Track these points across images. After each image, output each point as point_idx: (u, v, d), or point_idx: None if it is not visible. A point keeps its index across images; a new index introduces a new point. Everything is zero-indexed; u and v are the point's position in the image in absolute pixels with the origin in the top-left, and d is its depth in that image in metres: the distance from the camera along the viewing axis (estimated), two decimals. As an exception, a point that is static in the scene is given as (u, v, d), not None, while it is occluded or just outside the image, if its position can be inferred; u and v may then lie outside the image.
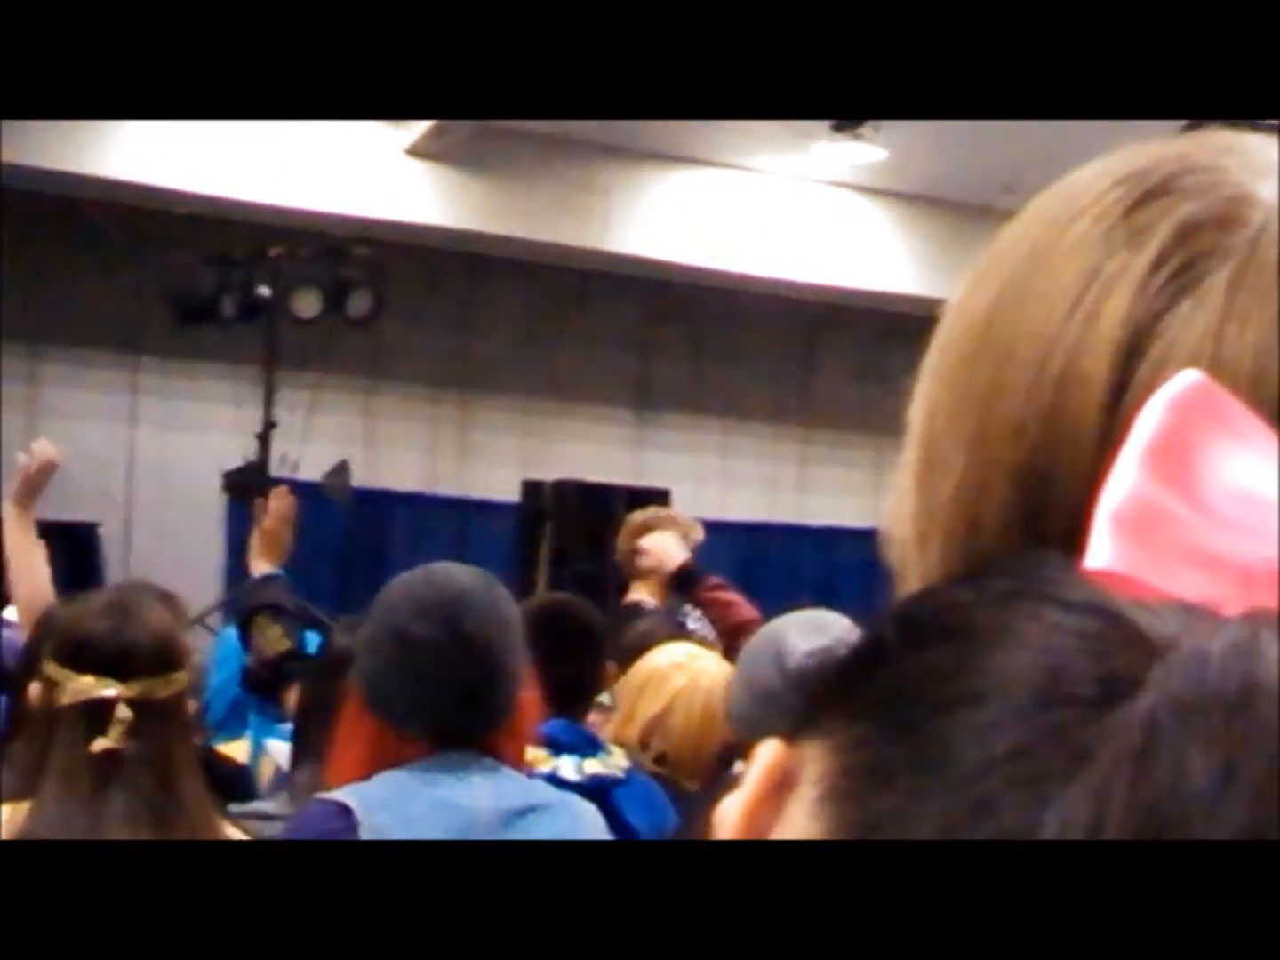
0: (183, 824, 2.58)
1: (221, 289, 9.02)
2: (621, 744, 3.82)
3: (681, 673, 3.95)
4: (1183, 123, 0.77)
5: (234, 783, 3.93)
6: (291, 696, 4.05)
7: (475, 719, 2.63)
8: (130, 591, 2.91)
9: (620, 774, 3.61)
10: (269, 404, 8.89)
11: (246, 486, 8.03)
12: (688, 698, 3.89)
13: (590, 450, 11.64)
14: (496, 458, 11.51)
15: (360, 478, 9.10)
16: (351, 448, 9.68)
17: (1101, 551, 0.47)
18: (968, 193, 10.38)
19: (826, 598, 3.41)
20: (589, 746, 3.63)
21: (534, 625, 3.01)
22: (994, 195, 8.45)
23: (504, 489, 10.79)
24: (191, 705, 2.87)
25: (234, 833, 2.77)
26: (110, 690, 2.59)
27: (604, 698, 3.97)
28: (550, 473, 10.40)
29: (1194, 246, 0.62)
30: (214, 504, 10.09)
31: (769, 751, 0.51)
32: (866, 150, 10.19)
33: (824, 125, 9.46)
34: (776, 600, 3.58)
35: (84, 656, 2.62)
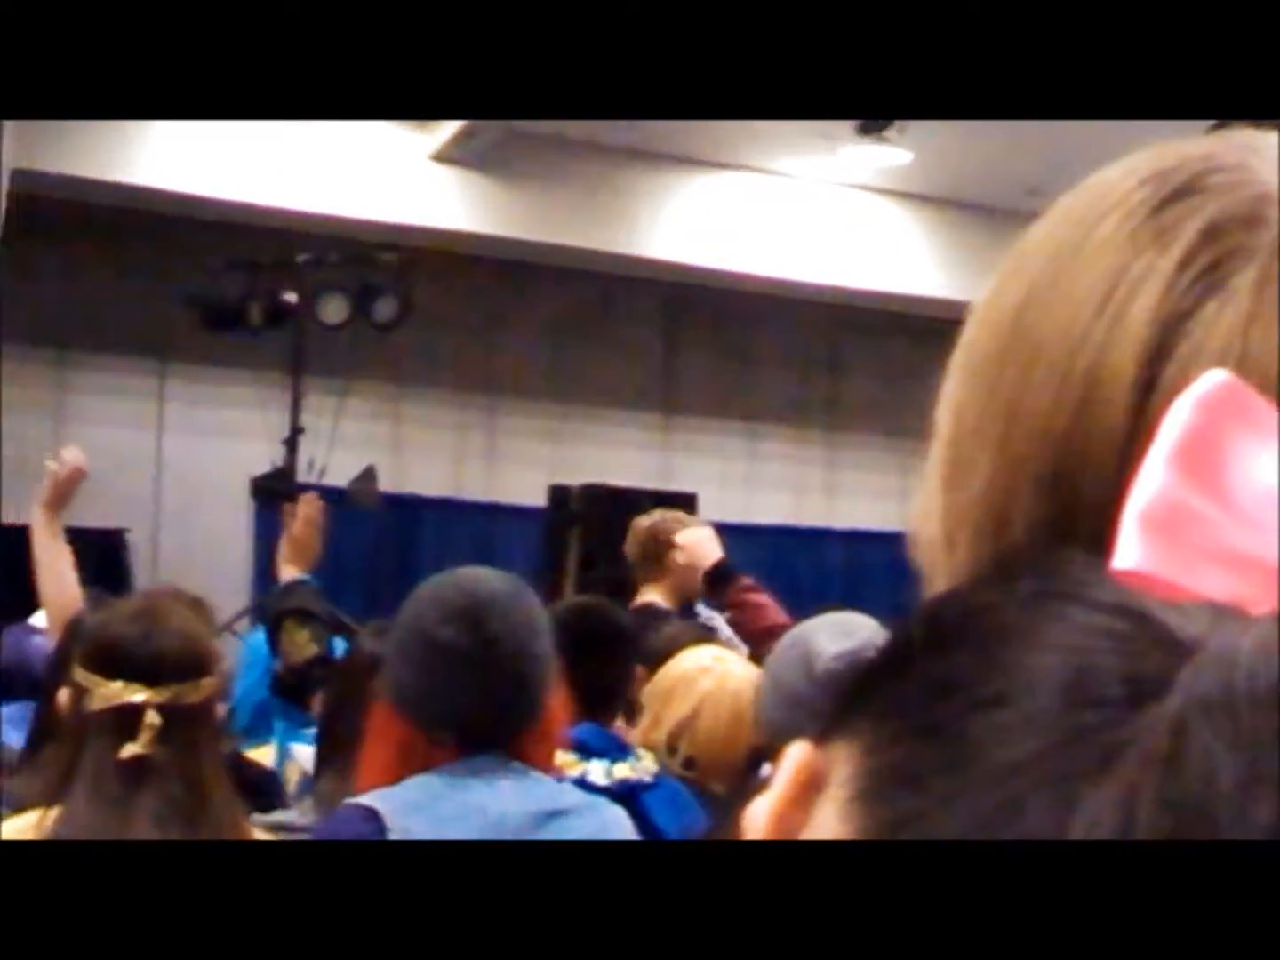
0: (211, 829, 2.59)
1: (248, 295, 9.02)
2: (649, 748, 3.82)
3: (709, 676, 3.95)
4: (1209, 123, 0.76)
5: (262, 788, 3.94)
6: (320, 702, 4.05)
7: (504, 723, 2.64)
8: (159, 597, 2.92)
9: (649, 778, 3.60)
10: (296, 410, 8.89)
11: (274, 492, 8.03)
12: (715, 701, 3.89)
13: (617, 455, 11.64)
14: (523, 463, 11.52)
15: (387, 483, 9.10)
16: (379, 453, 9.68)
17: (1129, 551, 0.47)
18: (993, 195, 10.37)
19: (853, 601, 3.41)
20: (618, 751, 3.63)
21: (562, 629, 3.01)
22: (1019, 197, 8.43)
23: (531, 494, 10.79)
24: (220, 710, 2.88)
25: (262, 838, 2.78)
26: (139, 696, 2.60)
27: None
28: (577, 477, 10.39)
29: (1220, 246, 0.62)
30: (241, 510, 10.10)
31: (798, 753, 0.51)
32: (891, 153, 10.17)
33: (849, 128, 9.45)
34: (803, 604, 3.58)
35: (113, 662, 2.63)
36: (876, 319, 12.00)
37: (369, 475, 8.37)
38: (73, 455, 4.64)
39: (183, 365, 10.64)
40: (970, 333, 0.69)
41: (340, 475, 8.36)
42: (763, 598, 4.81)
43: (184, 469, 10.67)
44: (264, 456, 8.82)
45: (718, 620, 5.37)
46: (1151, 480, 0.48)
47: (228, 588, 8.80)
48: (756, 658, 4.05)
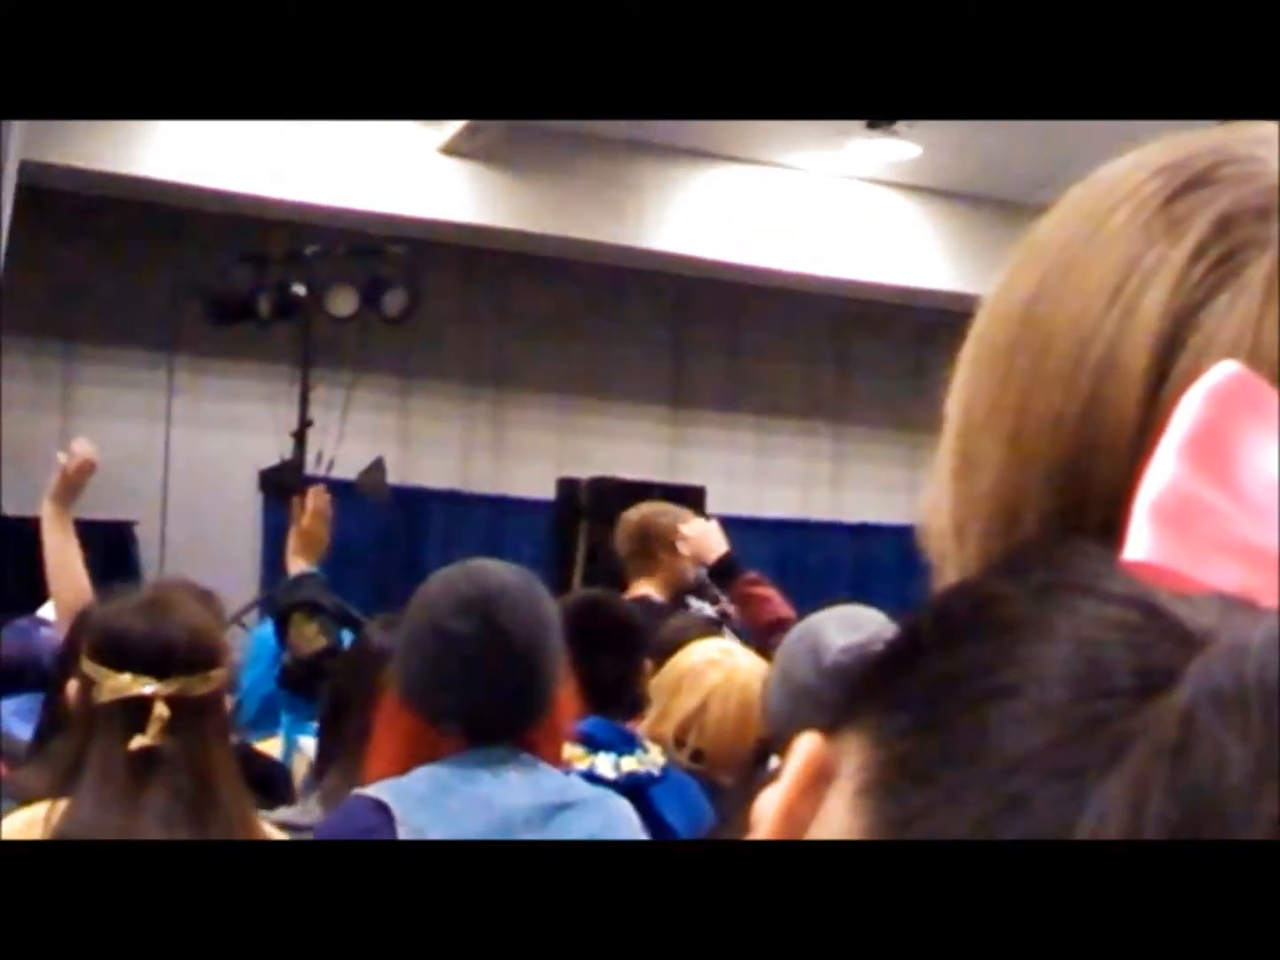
0: (220, 821, 2.59)
1: (257, 288, 9.03)
2: (657, 741, 3.82)
3: (716, 669, 3.95)
4: (1217, 123, 0.76)
5: (272, 780, 3.94)
6: (324, 693, 4.06)
7: (513, 715, 2.64)
8: (167, 589, 2.92)
9: (657, 771, 3.61)
10: (304, 402, 8.89)
11: (282, 485, 8.03)
12: (723, 694, 3.89)
13: (625, 448, 11.64)
14: (531, 455, 11.52)
15: (396, 476, 9.10)
16: (387, 446, 9.68)
17: (1139, 543, 0.47)
18: (1002, 189, 10.37)
19: (862, 595, 3.41)
20: (626, 744, 3.64)
21: (571, 621, 3.01)
22: (1028, 191, 8.43)
23: (539, 487, 10.79)
24: (228, 702, 2.88)
25: (271, 830, 2.78)
26: (148, 688, 2.60)
27: None
28: (585, 470, 10.39)
29: (1233, 237, 0.62)
30: (250, 503, 10.11)
31: (807, 745, 0.51)
32: (901, 147, 10.17)
33: (858, 122, 9.45)
34: (812, 597, 3.58)
35: (121, 654, 2.63)
36: (885, 312, 11.99)
37: (377, 467, 8.38)
38: (82, 447, 4.64)
39: (191, 358, 10.64)
40: (981, 324, 0.69)
41: (349, 468, 8.37)
42: (768, 591, 4.81)
43: (192, 462, 10.67)
44: (272, 449, 8.83)
45: (708, 613, 5.40)
46: (1162, 472, 0.48)
47: (236, 580, 8.81)
48: (762, 651, 4.06)
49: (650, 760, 3.63)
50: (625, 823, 2.72)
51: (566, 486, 10.18)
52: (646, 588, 5.47)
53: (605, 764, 3.53)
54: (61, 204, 9.75)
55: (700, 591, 5.70)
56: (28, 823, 2.55)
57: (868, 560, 11.66)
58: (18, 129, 6.39)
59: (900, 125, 9.50)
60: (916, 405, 10.40)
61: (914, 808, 0.44)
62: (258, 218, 9.94)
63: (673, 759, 3.77)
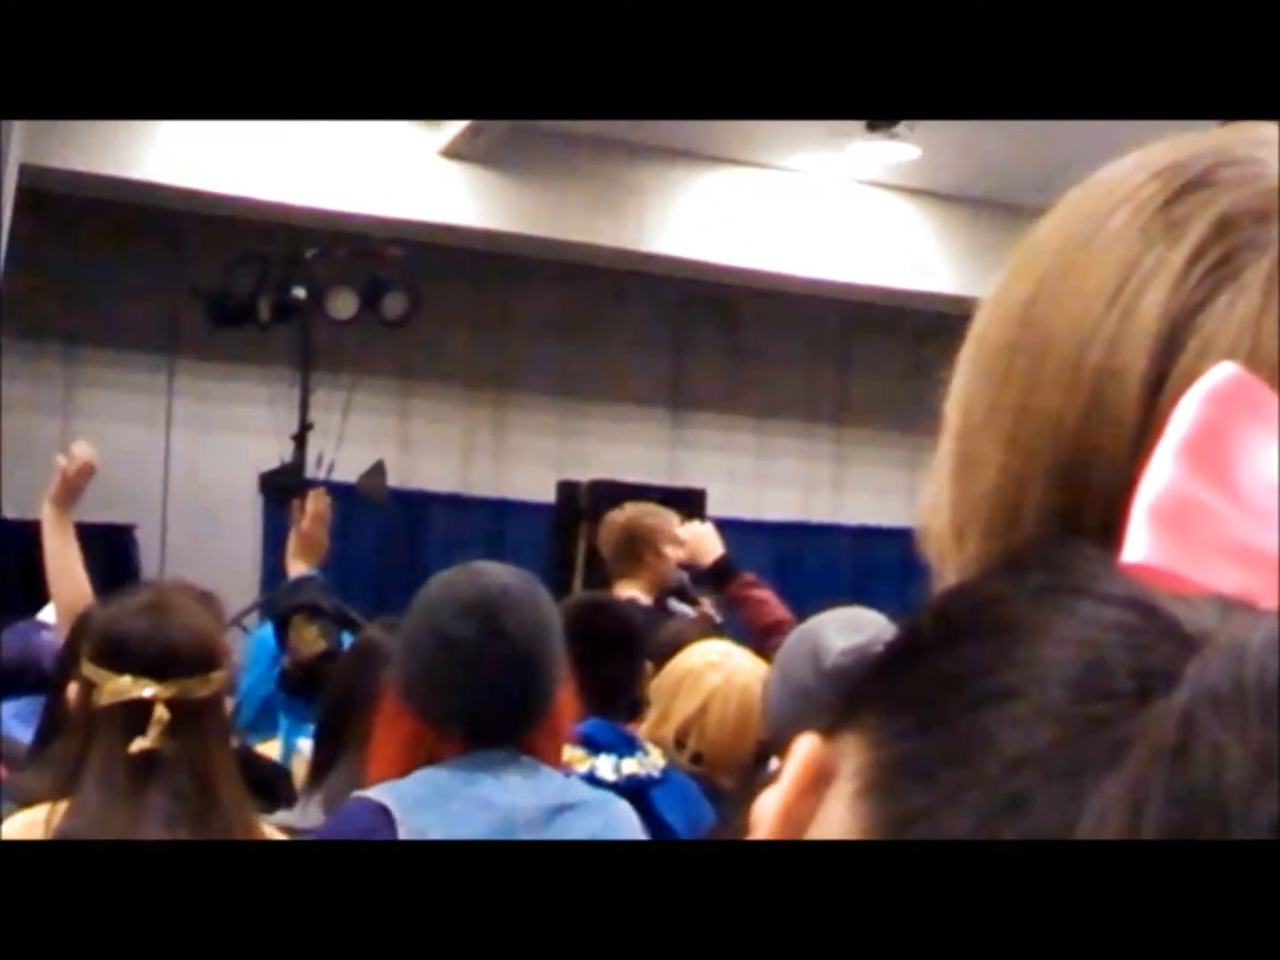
0: (221, 824, 2.59)
1: (257, 291, 9.02)
2: (657, 743, 3.82)
3: (716, 671, 3.95)
4: (1217, 123, 0.76)
5: (272, 782, 3.94)
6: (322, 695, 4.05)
7: (514, 718, 2.64)
8: (167, 591, 2.92)
9: (657, 773, 3.61)
10: (304, 405, 8.89)
11: (283, 488, 8.02)
12: (723, 696, 3.89)
13: (625, 451, 11.64)
14: (532, 458, 11.52)
15: (396, 479, 9.09)
16: (387, 449, 9.67)
17: (1138, 545, 0.47)
18: (1002, 191, 10.36)
19: (863, 597, 3.41)
20: (626, 746, 3.64)
21: (572, 624, 3.01)
22: (1028, 193, 8.40)
23: (539, 490, 10.79)
24: (228, 705, 2.88)
25: (272, 833, 2.78)
26: (148, 690, 2.60)
27: None
28: (585, 473, 10.39)
29: (1232, 239, 0.62)
30: (250, 506, 10.11)
31: (806, 746, 0.51)
32: (901, 149, 10.17)
33: (858, 124, 9.45)
34: (812, 600, 3.57)
35: (122, 656, 2.63)
36: (885, 315, 11.99)
37: (378, 470, 8.37)
38: (82, 450, 4.64)
39: (191, 361, 10.65)
40: (980, 326, 0.69)
41: (349, 471, 8.37)
42: (765, 593, 4.81)
43: (192, 465, 10.68)
44: (272, 452, 8.82)
45: (689, 615, 5.41)
46: (1161, 473, 0.48)
47: (236, 583, 8.80)
48: (760, 653, 4.06)
49: (651, 762, 3.63)
50: (626, 824, 2.72)
51: (567, 489, 10.18)
52: (631, 589, 5.47)
53: (606, 766, 3.53)
54: (62, 207, 9.75)
55: (681, 594, 5.72)
56: (28, 825, 2.54)
57: (868, 563, 11.65)
58: (18, 132, 6.39)
59: (900, 127, 9.50)
60: (917, 407, 10.29)
61: (913, 809, 0.44)
62: (258, 220, 9.94)
63: (673, 761, 3.77)
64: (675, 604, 5.56)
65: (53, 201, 9.47)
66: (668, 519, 5.67)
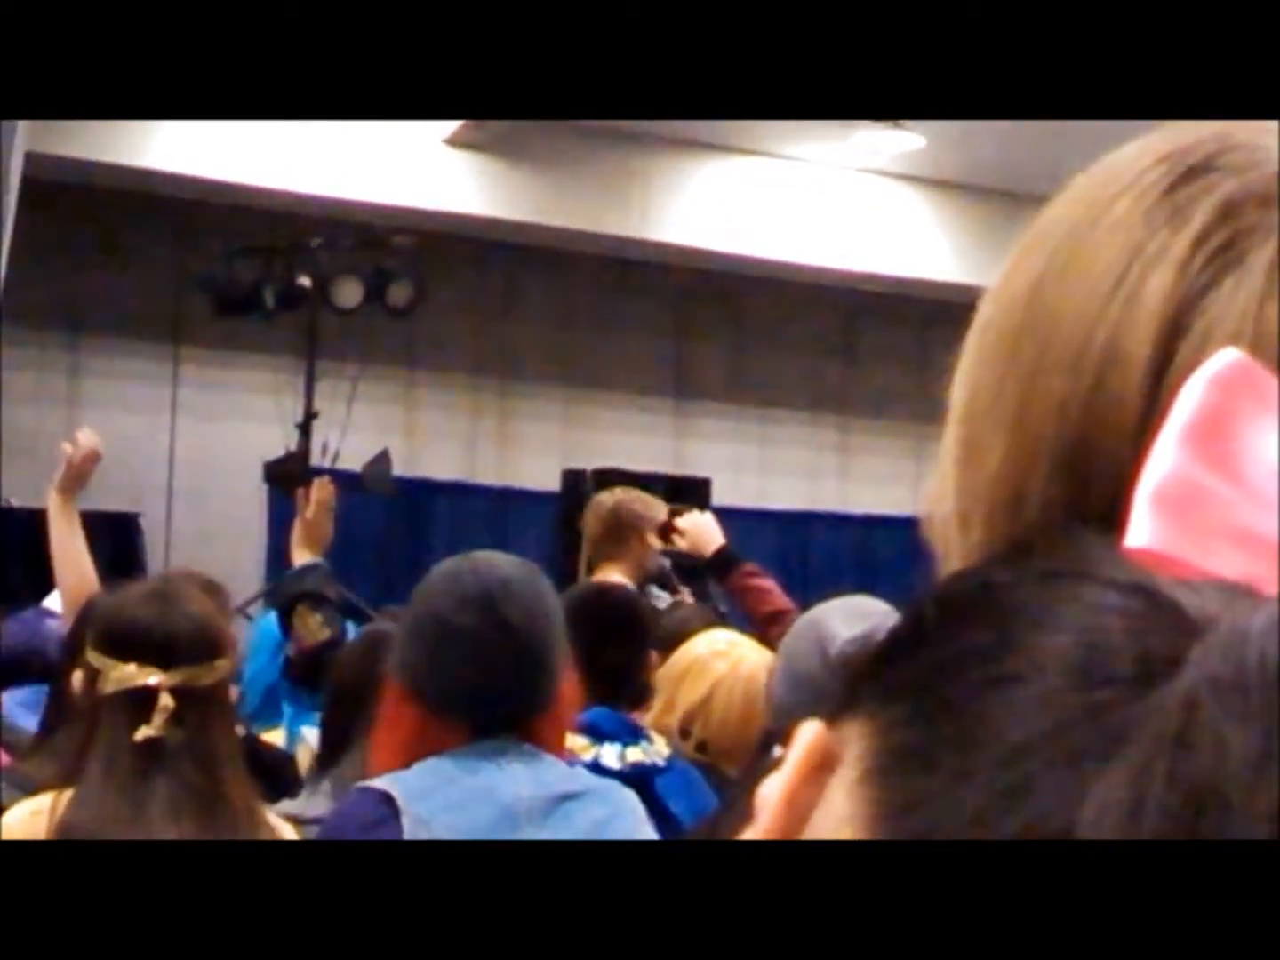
0: (226, 812, 2.59)
1: (262, 279, 9.03)
2: (662, 731, 3.82)
3: (722, 660, 3.95)
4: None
5: (277, 770, 3.94)
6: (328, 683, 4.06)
7: (516, 706, 2.64)
8: (172, 579, 2.92)
9: (662, 762, 3.61)
10: (309, 394, 8.89)
11: (288, 477, 8.03)
12: (728, 685, 3.89)
13: (630, 439, 11.64)
14: (536, 447, 11.52)
15: (401, 468, 9.10)
16: (392, 438, 9.68)
17: (1141, 530, 0.47)
18: (1007, 180, 10.36)
19: (868, 587, 3.40)
20: (631, 734, 3.64)
21: (577, 612, 3.01)
22: (1033, 182, 8.40)
23: (544, 478, 10.80)
24: (233, 693, 2.88)
25: (277, 821, 2.78)
26: (152, 678, 2.60)
27: None
28: (590, 462, 10.40)
29: (1236, 224, 0.62)
30: (255, 494, 10.11)
31: (810, 733, 0.51)
32: (905, 138, 10.17)
33: (863, 113, 9.45)
34: (817, 590, 3.57)
35: (126, 644, 2.63)
36: (890, 304, 11.99)
37: (383, 459, 8.38)
38: (88, 438, 4.64)
39: (196, 349, 10.65)
40: (985, 311, 0.69)
41: (354, 459, 8.37)
42: (767, 582, 4.81)
43: (197, 453, 10.68)
44: (277, 441, 8.83)
45: (666, 601, 5.42)
46: (1164, 459, 0.48)
47: (241, 572, 8.82)
48: (763, 642, 4.06)
49: (655, 751, 3.63)
50: (630, 813, 2.72)
51: (572, 478, 10.19)
52: (615, 574, 5.47)
53: (610, 754, 3.54)
54: (66, 196, 9.75)
55: (661, 580, 5.73)
56: (32, 813, 2.55)
57: (873, 552, 11.65)
58: (22, 121, 6.39)
59: (905, 116, 9.50)
60: (922, 396, 10.41)
61: (915, 795, 0.44)
62: (263, 209, 9.94)
63: (678, 750, 3.77)
64: (655, 591, 5.56)
65: (57, 190, 9.47)
66: (655, 506, 5.68)
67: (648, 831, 2.72)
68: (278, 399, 9.20)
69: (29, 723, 3.68)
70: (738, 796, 2.73)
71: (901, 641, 0.49)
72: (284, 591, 4.90)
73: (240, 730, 3.17)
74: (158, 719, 2.58)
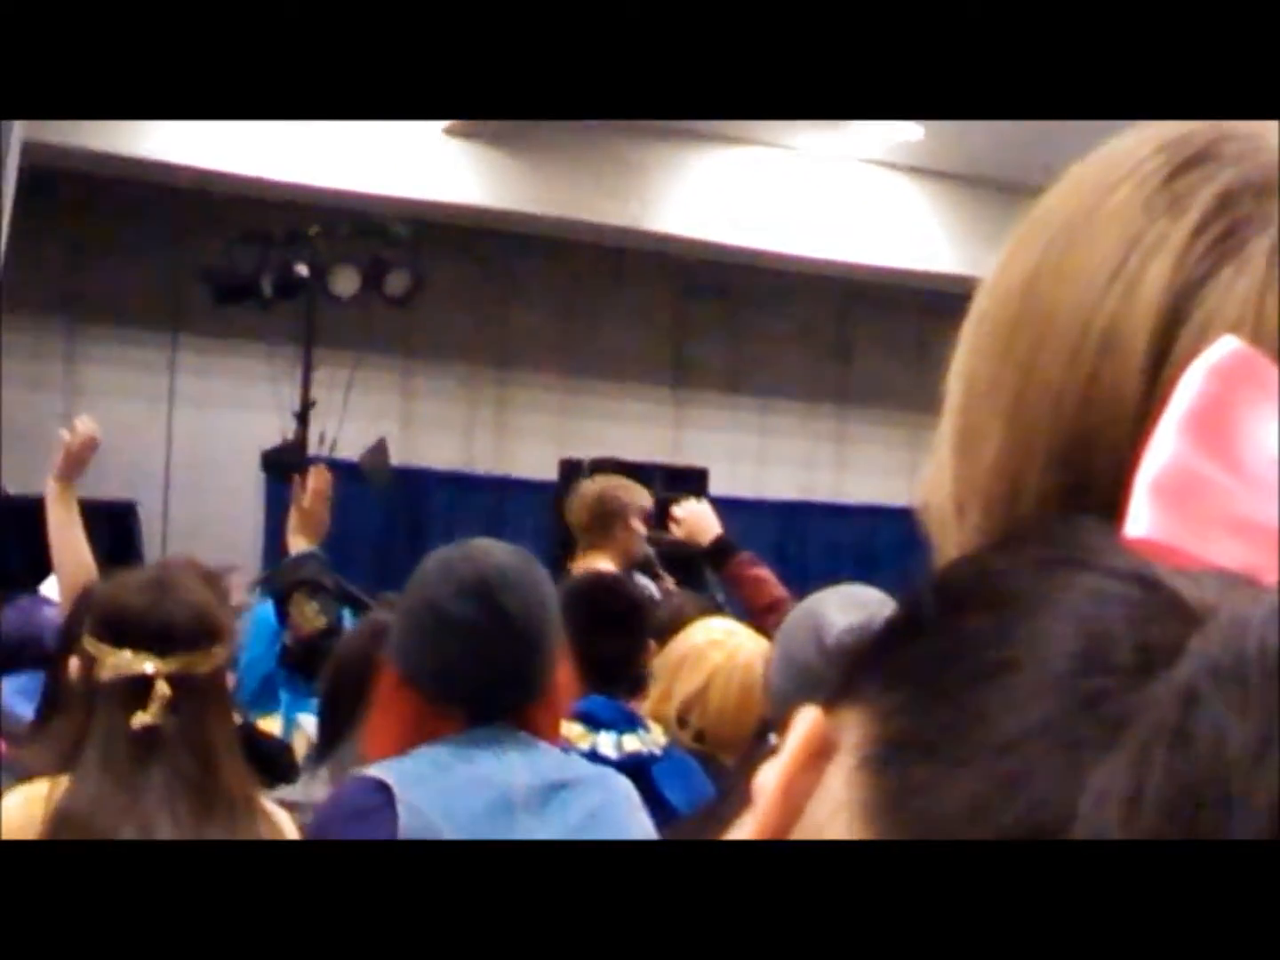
0: (222, 800, 2.59)
1: (259, 268, 9.03)
2: (659, 720, 3.82)
3: (719, 649, 3.95)
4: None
5: (274, 758, 3.94)
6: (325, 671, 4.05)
7: (512, 695, 2.64)
8: (169, 567, 2.92)
9: (659, 750, 3.61)
10: (307, 383, 8.90)
11: (285, 465, 8.03)
12: (725, 674, 3.89)
13: (627, 429, 11.65)
14: (534, 437, 11.52)
15: (398, 457, 9.10)
16: (389, 427, 9.69)
17: (1140, 519, 0.47)
18: (1005, 170, 10.35)
19: (864, 576, 3.40)
20: (628, 723, 3.64)
21: (575, 601, 3.01)
22: (1031, 173, 8.40)
23: (541, 468, 10.80)
24: (230, 681, 2.88)
25: (274, 809, 2.78)
26: (149, 665, 2.60)
27: None
28: (587, 452, 10.39)
29: (1234, 214, 0.62)
30: (252, 483, 10.11)
31: (807, 720, 0.51)
32: (903, 129, 10.18)
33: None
34: (814, 579, 3.57)
35: (123, 631, 2.62)
36: (887, 294, 11.99)
37: (380, 449, 8.38)
38: (85, 425, 4.64)
39: (194, 338, 10.65)
40: (982, 301, 0.69)
41: (351, 448, 8.37)
42: (763, 572, 4.81)
43: (195, 442, 10.69)
44: (275, 429, 8.83)
45: (652, 589, 5.43)
46: (1163, 448, 0.48)
47: (238, 560, 8.79)
48: (759, 631, 4.06)
49: (652, 740, 3.63)
50: (625, 801, 2.72)
51: (569, 467, 10.18)
52: (600, 561, 5.47)
53: (607, 743, 3.54)
54: (64, 184, 9.75)
55: (647, 569, 5.75)
56: (28, 800, 2.54)
57: (870, 542, 11.66)
58: (20, 108, 6.38)
59: (904, 107, 9.49)
60: (919, 387, 10.38)
61: (913, 782, 0.44)
62: (260, 198, 9.93)
63: (675, 738, 3.77)
64: (640, 578, 5.57)
65: (55, 179, 9.46)
66: (639, 494, 5.71)
67: (643, 820, 2.72)
68: (275, 388, 9.21)
69: (25, 710, 3.69)
70: (734, 784, 2.73)
71: (900, 629, 0.49)
72: (280, 580, 4.89)
73: (237, 718, 3.17)
74: (154, 707, 2.58)
